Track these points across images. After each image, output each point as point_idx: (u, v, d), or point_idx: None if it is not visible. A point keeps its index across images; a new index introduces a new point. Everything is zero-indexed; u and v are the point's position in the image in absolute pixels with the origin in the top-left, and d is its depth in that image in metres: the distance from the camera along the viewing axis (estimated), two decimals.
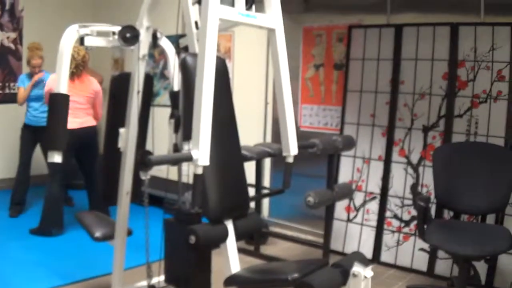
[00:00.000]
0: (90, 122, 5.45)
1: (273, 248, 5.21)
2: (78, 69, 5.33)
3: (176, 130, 2.78)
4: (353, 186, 4.95)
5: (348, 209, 5.04)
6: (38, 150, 6.01)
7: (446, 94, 4.52)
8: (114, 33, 3.12)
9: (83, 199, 5.90)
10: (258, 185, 4.91)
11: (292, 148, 2.69)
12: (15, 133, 6.10)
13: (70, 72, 5.30)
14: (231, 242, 2.66)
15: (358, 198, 4.98)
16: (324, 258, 4.37)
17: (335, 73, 5.34)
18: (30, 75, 5.83)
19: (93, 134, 5.55)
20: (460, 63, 4.45)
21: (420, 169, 4.65)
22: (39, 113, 5.83)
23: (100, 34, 3.13)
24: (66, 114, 3.04)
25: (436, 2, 4.71)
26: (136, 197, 3.36)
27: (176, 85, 3.26)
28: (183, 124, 2.71)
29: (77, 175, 5.95)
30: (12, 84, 7.30)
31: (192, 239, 2.41)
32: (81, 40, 3.09)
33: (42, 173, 6.25)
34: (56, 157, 3.01)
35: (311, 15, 5.58)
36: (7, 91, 7.31)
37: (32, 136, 5.91)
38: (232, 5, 2.51)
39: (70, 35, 3.04)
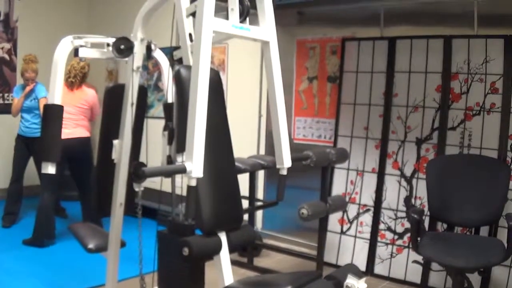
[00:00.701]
0: (80, 133, 5.43)
1: (267, 260, 5.20)
2: (76, 78, 5.34)
3: (170, 142, 2.76)
4: (347, 199, 4.96)
5: (341, 221, 5.04)
6: (31, 161, 6.00)
7: (439, 106, 4.54)
8: (108, 45, 3.12)
9: (76, 210, 5.88)
10: (252, 197, 4.90)
11: (285, 161, 2.69)
12: (10, 143, 6.08)
13: (70, 82, 5.33)
14: (225, 254, 2.65)
15: (352, 210, 4.99)
16: (318, 270, 4.36)
17: (329, 85, 5.35)
18: (24, 86, 5.82)
19: (84, 145, 5.52)
20: (454, 75, 4.47)
21: (414, 181, 4.66)
22: (31, 124, 5.83)
23: (94, 45, 3.12)
24: (60, 125, 3.02)
25: (429, 15, 4.73)
26: (130, 208, 3.35)
27: (170, 97, 3.26)
28: (177, 136, 2.70)
29: (70, 186, 5.93)
30: (6, 95, 7.30)
31: (186, 251, 2.40)
32: (75, 52, 3.08)
33: (35, 184, 6.25)
34: (50, 168, 2.99)
35: (304, 28, 5.60)
36: (1, 101, 7.30)
37: (25, 146, 5.89)
38: (226, 17, 2.51)
39: (65, 46, 3.02)
